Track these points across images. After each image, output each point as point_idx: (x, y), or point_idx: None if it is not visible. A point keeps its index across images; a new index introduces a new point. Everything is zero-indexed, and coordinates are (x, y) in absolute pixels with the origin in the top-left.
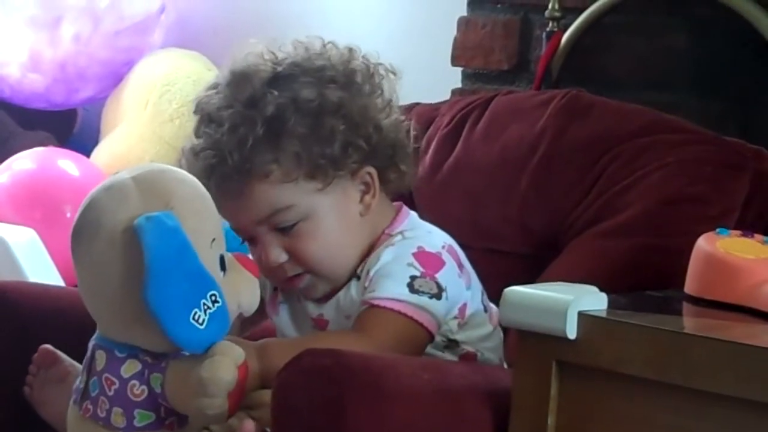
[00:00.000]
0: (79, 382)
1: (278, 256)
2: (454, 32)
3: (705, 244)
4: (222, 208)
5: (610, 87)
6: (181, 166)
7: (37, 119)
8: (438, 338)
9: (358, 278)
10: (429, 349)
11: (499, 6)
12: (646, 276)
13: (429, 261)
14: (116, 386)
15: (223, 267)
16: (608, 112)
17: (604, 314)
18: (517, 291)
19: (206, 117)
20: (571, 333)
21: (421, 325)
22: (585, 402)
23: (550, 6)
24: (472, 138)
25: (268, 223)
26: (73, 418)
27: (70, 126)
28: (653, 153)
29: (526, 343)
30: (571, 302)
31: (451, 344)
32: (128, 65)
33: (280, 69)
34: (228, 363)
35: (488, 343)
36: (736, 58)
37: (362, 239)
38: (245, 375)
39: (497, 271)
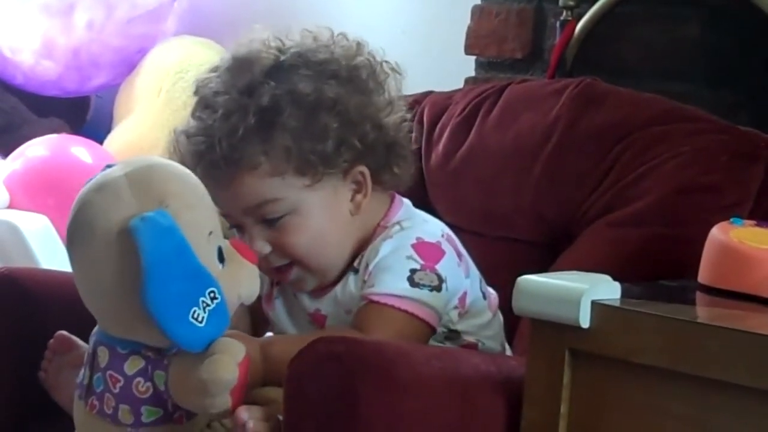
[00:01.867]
0: (82, 377)
1: (262, 247)
2: (467, 21)
3: (719, 233)
4: (210, 194)
5: (623, 76)
6: (173, 148)
7: (51, 106)
8: (439, 329)
9: (356, 271)
10: (430, 342)
11: None
12: (659, 265)
13: (429, 252)
14: (121, 383)
15: (221, 258)
16: (622, 100)
17: (617, 303)
18: (530, 280)
19: (202, 101)
20: (585, 322)
21: (422, 320)
22: (598, 391)
23: None
24: (486, 126)
25: (254, 214)
26: (81, 414)
27: (83, 113)
28: (667, 142)
29: (539, 331)
30: (584, 291)
31: (452, 335)
32: (141, 53)
33: (282, 58)
34: (228, 361)
35: (488, 331)
36: (750, 48)
37: (352, 236)
38: (246, 371)
39: (510, 259)
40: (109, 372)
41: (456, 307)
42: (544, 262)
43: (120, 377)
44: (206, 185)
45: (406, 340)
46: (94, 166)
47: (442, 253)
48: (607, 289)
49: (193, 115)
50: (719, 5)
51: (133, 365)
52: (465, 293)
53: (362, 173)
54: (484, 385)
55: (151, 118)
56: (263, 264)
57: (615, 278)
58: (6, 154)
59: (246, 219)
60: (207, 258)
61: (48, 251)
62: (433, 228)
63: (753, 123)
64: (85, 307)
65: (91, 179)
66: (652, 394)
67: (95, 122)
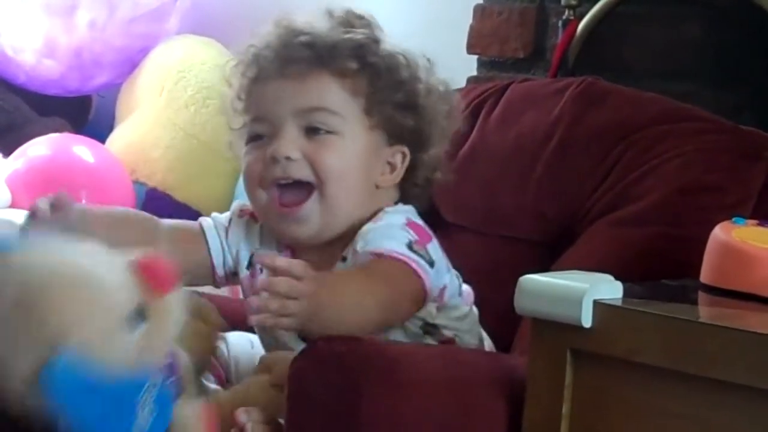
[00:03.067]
0: None
1: (292, 150)
2: (469, 20)
3: (721, 233)
4: (266, 91)
5: (625, 76)
6: (247, 47)
7: (53, 106)
8: (417, 323)
9: (345, 260)
10: (408, 339)
11: None
12: (661, 265)
13: (420, 232)
14: None
15: (143, 315)
16: (624, 100)
17: (619, 303)
18: (532, 279)
19: (306, 15)
20: (586, 321)
21: (422, 282)
22: (599, 390)
23: None
24: (488, 125)
25: (305, 117)
26: None
27: (85, 112)
28: (669, 141)
29: (541, 331)
30: (586, 290)
31: (431, 329)
32: (143, 52)
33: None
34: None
35: (465, 325)
36: (752, 48)
37: (361, 203)
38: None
39: (511, 257)
40: None
41: (435, 300)
42: (545, 261)
43: None
44: (272, 76)
45: (408, 294)
46: (95, 166)
47: (430, 237)
48: (608, 288)
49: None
50: (722, 5)
51: None
52: (445, 287)
53: (404, 154)
54: (486, 385)
55: (153, 117)
56: (276, 172)
57: (617, 278)
58: (8, 154)
59: (289, 122)
60: (122, 353)
61: None
62: (417, 219)
63: (755, 123)
64: None
65: None
66: (654, 394)
67: (97, 121)
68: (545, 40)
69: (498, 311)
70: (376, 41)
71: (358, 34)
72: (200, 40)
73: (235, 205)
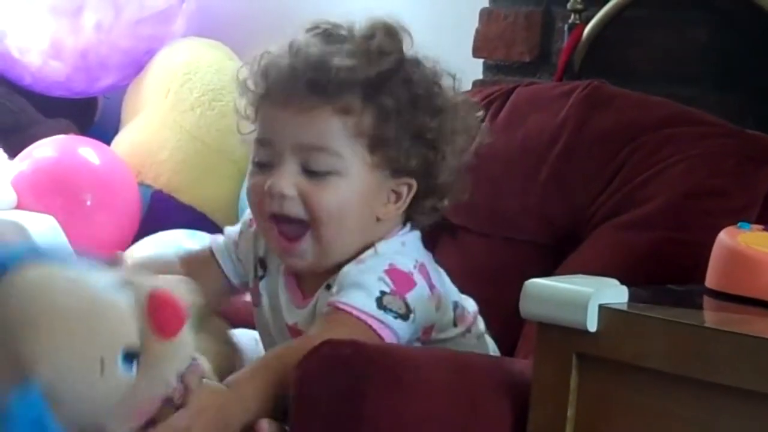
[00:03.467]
0: None
1: (289, 188)
2: (475, 23)
3: (726, 238)
4: (270, 115)
5: (631, 80)
6: (260, 57)
7: (58, 107)
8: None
9: (328, 288)
10: None
11: None
12: (666, 269)
13: (400, 279)
14: None
15: (133, 357)
16: (630, 103)
17: (624, 307)
18: (537, 283)
19: (326, 32)
20: (592, 326)
21: (382, 339)
22: (604, 395)
23: None
24: (493, 128)
25: (304, 155)
26: None
27: (90, 114)
28: (675, 145)
29: (546, 335)
30: (591, 295)
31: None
32: (149, 54)
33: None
34: None
35: (460, 346)
36: (757, 52)
37: (360, 237)
38: None
39: (516, 260)
40: None
41: (419, 339)
42: (550, 264)
43: None
44: (277, 103)
45: None
46: (101, 167)
47: (413, 284)
48: (614, 292)
49: (303, 36)
50: (727, 9)
51: None
52: (432, 326)
53: (409, 186)
54: (491, 389)
55: (158, 119)
56: (273, 205)
57: (622, 282)
58: (13, 155)
59: (288, 156)
60: (104, 392)
61: None
62: (406, 258)
63: (760, 127)
64: None
65: None
66: (659, 398)
67: (103, 123)
68: (551, 44)
69: (501, 313)
70: (395, 71)
71: (373, 69)
72: (206, 43)
73: (245, 216)
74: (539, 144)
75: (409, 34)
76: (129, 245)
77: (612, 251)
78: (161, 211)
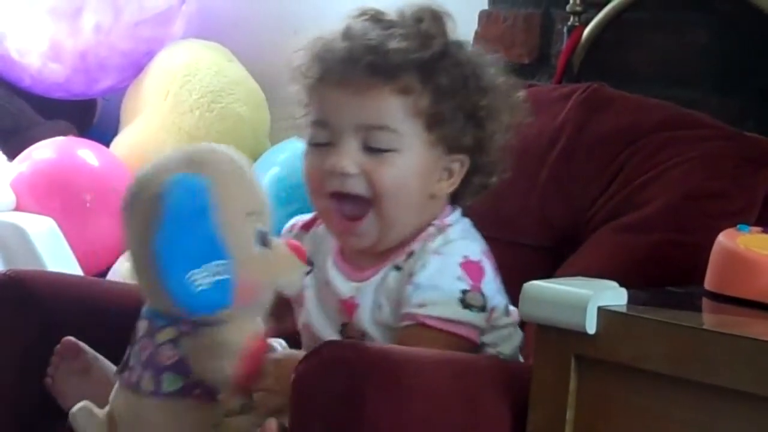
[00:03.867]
0: (125, 357)
1: (351, 166)
2: (475, 25)
3: (725, 240)
4: (329, 97)
5: (630, 82)
6: (329, 40)
7: (57, 109)
8: None
9: (399, 269)
10: None
11: (520, 0)
12: (666, 271)
13: (474, 271)
14: (149, 351)
15: (263, 242)
16: (629, 106)
17: (623, 309)
18: (536, 285)
19: (377, 16)
20: (591, 328)
21: (470, 340)
22: (603, 397)
23: (571, 0)
24: None
25: (363, 134)
26: (115, 390)
27: (90, 116)
28: (674, 148)
29: (546, 337)
30: (590, 297)
31: (477, 347)
32: (149, 56)
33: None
34: (236, 329)
35: (507, 348)
36: (757, 54)
37: (418, 214)
38: (262, 348)
39: (516, 262)
40: (141, 342)
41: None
42: (550, 266)
43: (149, 345)
44: (335, 87)
45: None
46: (100, 169)
47: (484, 272)
48: (613, 295)
49: (354, 21)
50: (727, 12)
51: (164, 335)
52: (495, 307)
53: (461, 163)
54: (491, 391)
55: (157, 121)
56: (334, 182)
57: (621, 284)
58: (13, 157)
59: (348, 136)
60: (237, 236)
61: (54, 253)
62: (474, 245)
63: (760, 130)
64: (90, 310)
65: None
66: (658, 401)
67: (102, 125)
68: (550, 46)
69: None
70: (445, 53)
71: (427, 51)
72: (206, 45)
73: (285, 228)
74: (539, 146)
75: (452, 18)
76: None
77: (611, 253)
78: None
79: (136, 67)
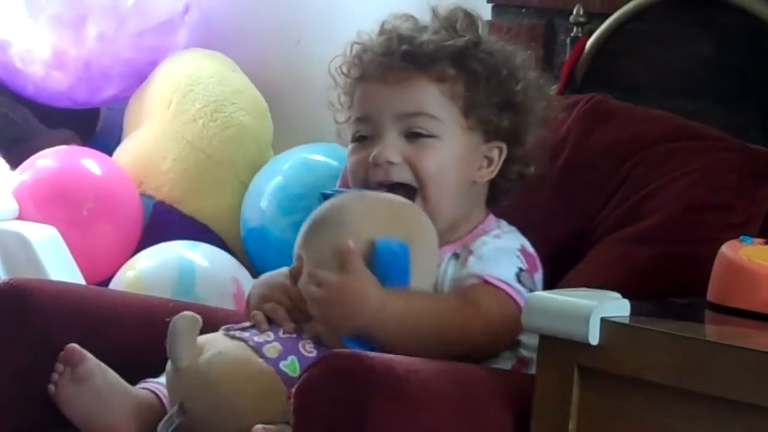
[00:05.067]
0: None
1: (394, 155)
2: None
3: (728, 251)
4: (368, 92)
5: (633, 93)
6: (350, 46)
7: (61, 118)
8: None
9: (457, 257)
10: None
11: (523, 11)
12: (669, 283)
13: (530, 260)
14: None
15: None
16: (633, 117)
17: (626, 321)
18: (540, 296)
19: (412, 17)
20: (594, 339)
21: (520, 309)
22: (606, 408)
23: (574, 11)
24: None
25: (404, 123)
26: (216, 337)
27: (93, 125)
28: (678, 159)
29: (549, 348)
30: (594, 308)
31: (512, 343)
32: (152, 65)
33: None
34: None
35: None
36: (760, 66)
37: (461, 204)
38: None
39: None
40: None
41: None
42: (552, 277)
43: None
44: (375, 80)
45: (508, 327)
46: (103, 178)
47: (537, 266)
48: (616, 306)
49: (388, 21)
50: (730, 23)
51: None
52: None
53: (500, 150)
54: (493, 401)
55: (160, 130)
56: (378, 174)
57: (624, 295)
58: (16, 165)
59: (390, 126)
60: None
61: (56, 262)
62: (527, 243)
63: (763, 141)
64: (92, 319)
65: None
66: (661, 412)
67: (105, 134)
68: (554, 57)
69: None
70: (477, 44)
71: (460, 40)
72: (209, 54)
73: None
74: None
75: (482, 19)
76: (130, 255)
77: (614, 264)
78: (163, 222)
79: (139, 76)
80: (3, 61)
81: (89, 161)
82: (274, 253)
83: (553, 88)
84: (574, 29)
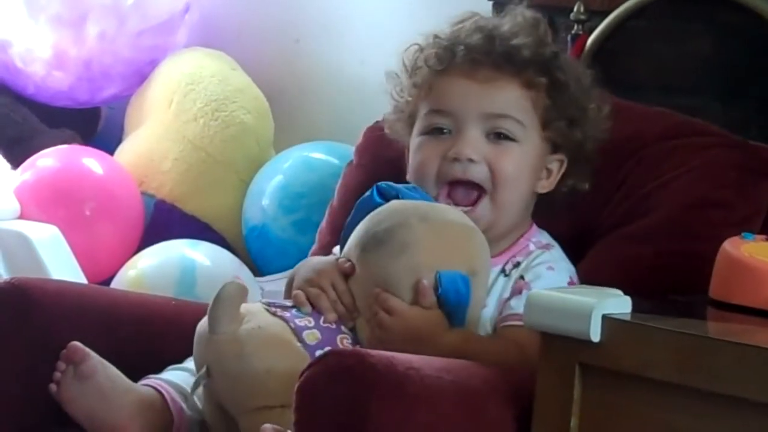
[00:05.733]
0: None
1: (475, 153)
2: None
3: (730, 248)
4: (454, 87)
5: (633, 91)
6: (459, 30)
7: (62, 117)
8: None
9: (506, 275)
10: None
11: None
12: (670, 280)
13: None
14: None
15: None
16: (633, 115)
17: (628, 318)
18: (541, 294)
19: (498, 17)
20: (595, 336)
21: None
22: (608, 405)
23: (575, 9)
24: None
25: (488, 122)
26: (258, 310)
27: (94, 124)
28: (678, 157)
29: (550, 345)
30: (595, 305)
31: None
32: (152, 64)
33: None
34: None
35: None
36: (761, 63)
37: (521, 212)
38: None
39: None
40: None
41: None
42: None
43: (334, 326)
44: (463, 76)
45: None
46: (104, 177)
47: None
48: (617, 303)
49: (482, 20)
50: (730, 20)
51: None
52: None
53: (561, 162)
54: (494, 399)
55: (161, 129)
56: (456, 170)
57: (626, 292)
58: (17, 165)
59: (474, 123)
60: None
61: (57, 261)
62: (573, 268)
63: (763, 138)
64: (94, 318)
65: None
66: (663, 409)
67: (106, 133)
68: None
69: None
70: (557, 54)
71: (548, 49)
72: (209, 53)
73: None
74: None
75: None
76: (132, 255)
77: (616, 262)
78: (164, 221)
79: (140, 75)
80: (3, 61)
81: (90, 161)
82: (275, 252)
83: (609, 105)
84: (575, 27)
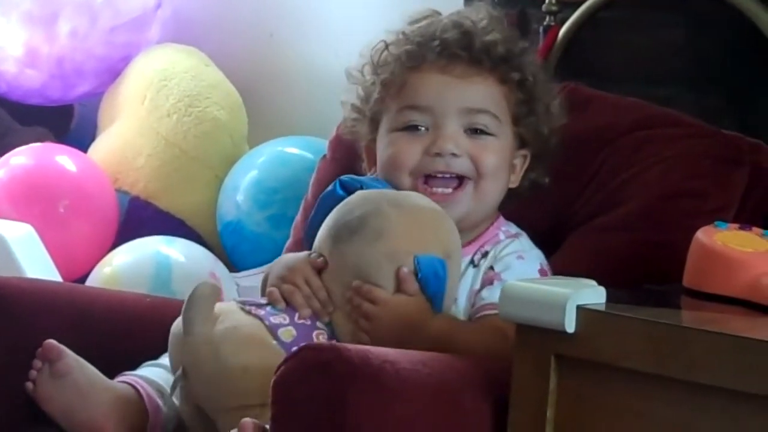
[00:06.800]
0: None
1: (457, 147)
2: None
3: (703, 237)
4: (433, 83)
5: (607, 82)
6: (429, 27)
7: (34, 115)
8: None
9: (475, 266)
10: None
11: (495, 0)
12: (644, 270)
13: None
14: (307, 324)
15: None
16: (606, 106)
17: (602, 308)
18: (515, 285)
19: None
20: (570, 327)
21: None
22: (584, 396)
23: (546, 0)
24: None
25: (467, 117)
26: (232, 309)
27: (67, 121)
28: (652, 147)
29: (525, 337)
30: (569, 296)
31: None
32: (125, 61)
33: None
34: None
35: None
36: (733, 53)
37: (497, 201)
38: None
39: None
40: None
41: None
42: None
43: (309, 322)
44: (440, 71)
45: None
46: (78, 175)
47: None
48: (592, 293)
49: (460, 16)
50: (703, 10)
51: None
52: None
53: (524, 157)
54: (471, 391)
55: (135, 125)
56: (437, 164)
57: (600, 283)
58: None
59: (453, 119)
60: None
61: (32, 260)
62: (543, 255)
63: (737, 127)
64: (69, 316)
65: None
66: (639, 399)
67: (79, 130)
68: None
69: None
70: (525, 50)
71: (518, 45)
72: (182, 49)
73: None
74: None
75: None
76: (107, 252)
77: (590, 253)
78: (139, 218)
79: (112, 72)
80: None
81: (64, 158)
82: (250, 247)
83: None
84: (547, 18)
